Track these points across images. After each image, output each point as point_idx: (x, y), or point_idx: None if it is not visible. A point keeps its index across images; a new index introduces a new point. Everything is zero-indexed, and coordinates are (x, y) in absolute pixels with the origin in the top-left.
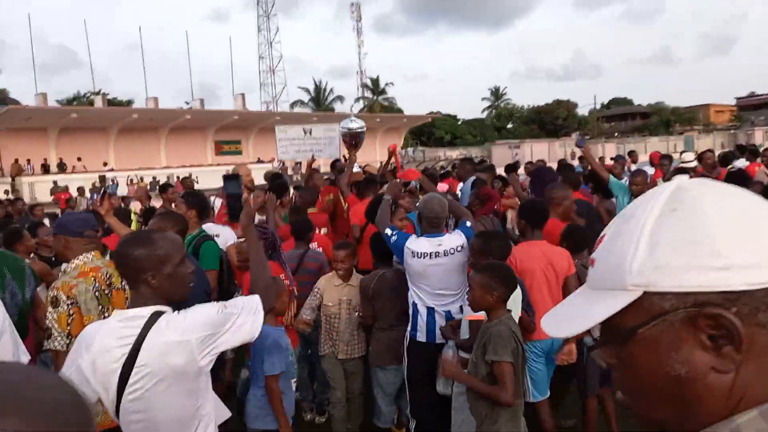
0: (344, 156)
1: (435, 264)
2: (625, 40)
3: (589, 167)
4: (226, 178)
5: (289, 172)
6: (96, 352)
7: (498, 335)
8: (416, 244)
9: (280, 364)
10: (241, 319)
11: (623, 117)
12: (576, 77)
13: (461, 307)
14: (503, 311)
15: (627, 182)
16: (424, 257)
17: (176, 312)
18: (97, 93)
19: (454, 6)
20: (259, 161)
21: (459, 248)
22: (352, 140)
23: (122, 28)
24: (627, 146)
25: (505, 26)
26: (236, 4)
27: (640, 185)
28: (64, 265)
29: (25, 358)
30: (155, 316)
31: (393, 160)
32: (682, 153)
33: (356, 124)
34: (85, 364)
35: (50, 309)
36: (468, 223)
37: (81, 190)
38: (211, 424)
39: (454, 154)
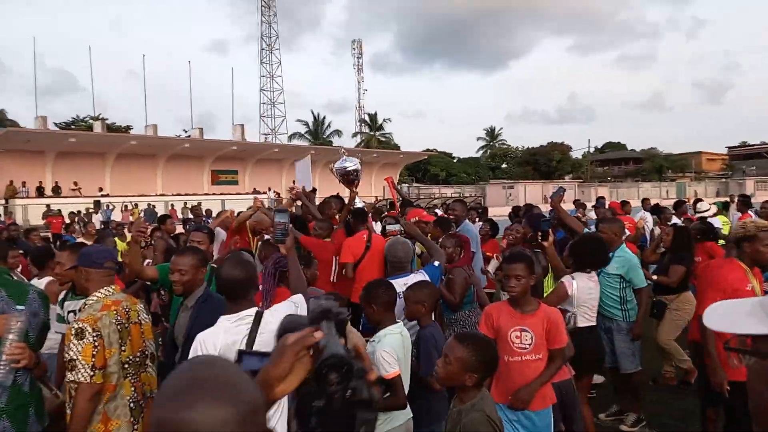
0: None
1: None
2: (620, 85)
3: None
4: (278, 210)
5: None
6: (222, 347)
7: (473, 429)
8: None
9: None
10: (301, 310)
11: (617, 162)
12: (570, 120)
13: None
14: (478, 392)
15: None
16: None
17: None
18: (97, 118)
19: (451, 46)
20: (255, 192)
21: None
22: (349, 178)
23: (124, 55)
24: (620, 191)
25: (500, 68)
26: (238, 37)
27: (606, 234)
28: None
29: None
30: (260, 314)
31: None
32: (696, 201)
33: (350, 163)
34: None
35: (75, 341)
36: (436, 263)
37: (73, 216)
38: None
39: (449, 192)
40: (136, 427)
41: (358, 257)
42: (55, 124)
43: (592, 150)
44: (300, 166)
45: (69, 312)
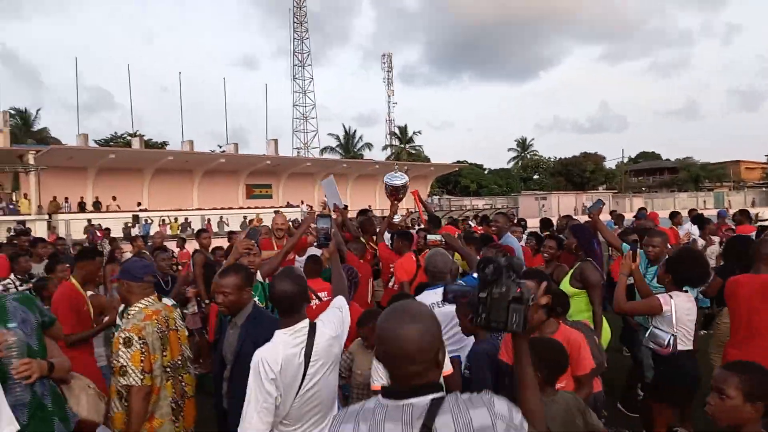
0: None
1: (441, 313)
2: (652, 93)
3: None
4: (320, 216)
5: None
6: (283, 360)
7: (551, 420)
8: (423, 298)
9: None
10: (345, 313)
11: (652, 172)
12: (603, 129)
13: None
14: (552, 388)
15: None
16: (432, 308)
17: (316, 319)
18: (135, 134)
19: (479, 56)
20: (289, 205)
21: None
22: (396, 193)
23: (159, 72)
24: (655, 201)
25: (530, 77)
26: (269, 53)
27: (657, 247)
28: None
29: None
30: (313, 325)
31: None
32: (742, 212)
33: (400, 180)
34: (275, 374)
35: (123, 349)
36: (475, 275)
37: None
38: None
39: (480, 203)
40: (177, 425)
41: (412, 275)
42: (95, 140)
43: (625, 160)
44: (325, 186)
45: None
